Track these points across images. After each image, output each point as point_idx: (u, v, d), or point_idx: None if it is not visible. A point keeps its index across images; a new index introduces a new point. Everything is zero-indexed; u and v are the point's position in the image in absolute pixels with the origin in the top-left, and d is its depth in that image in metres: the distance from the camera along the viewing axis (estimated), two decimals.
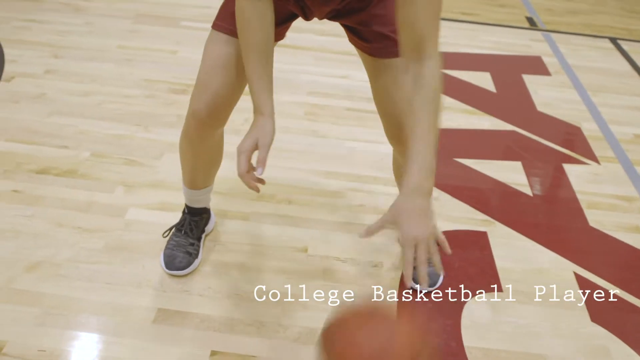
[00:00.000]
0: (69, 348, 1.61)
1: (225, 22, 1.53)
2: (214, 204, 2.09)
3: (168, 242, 1.90)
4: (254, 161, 1.37)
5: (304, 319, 1.75)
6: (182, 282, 1.83)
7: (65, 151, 2.36)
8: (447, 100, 3.04)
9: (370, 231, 1.27)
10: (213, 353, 1.62)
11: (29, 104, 2.67)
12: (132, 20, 3.59)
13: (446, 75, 3.31)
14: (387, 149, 2.60)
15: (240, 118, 2.60)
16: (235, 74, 1.55)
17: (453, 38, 3.83)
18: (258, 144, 1.37)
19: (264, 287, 1.84)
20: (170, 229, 1.93)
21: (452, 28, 3.99)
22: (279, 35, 1.61)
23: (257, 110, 1.42)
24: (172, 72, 3.03)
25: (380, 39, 1.54)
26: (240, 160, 1.35)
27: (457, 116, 2.91)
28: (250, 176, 1.36)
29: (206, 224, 1.95)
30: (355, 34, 1.58)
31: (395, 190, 2.31)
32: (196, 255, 1.88)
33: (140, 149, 2.42)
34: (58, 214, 2.05)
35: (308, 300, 1.82)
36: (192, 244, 1.89)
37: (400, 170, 1.84)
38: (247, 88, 1.63)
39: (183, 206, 1.94)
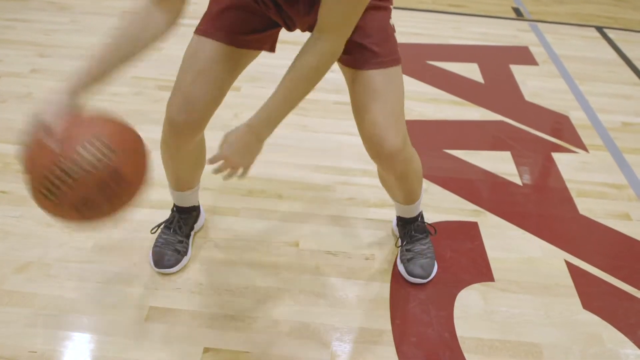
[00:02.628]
0: (61, 348, 1.60)
1: (206, 25, 1.52)
2: (204, 200, 2.08)
3: (157, 239, 1.89)
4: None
5: (296, 313, 1.75)
6: (173, 279, 1.82)
7: None
8: (436, 92, 3.04)
9: (211, 160, 1.41)
10: (206, 350, 1.61)
11: (16, 103, 2.65)
12: (118, 18, 3.57)
13: (435, 67, 3.31)
14: None
15: (230, 113, 2.60)
16: (216, 80, 1.53)
17: (440, 30, 3.83)
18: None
19: (255, 283, 1.84)
20: (159, 225, 1.92)
21: (439, 20, 3.99)
22: (261, 43, 1.57)
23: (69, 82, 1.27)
24: (159, 69, 3.02)
25: (359, 50, 1.51)
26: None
27: (446, 107, 2.91)
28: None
29: (195, 221, 1.94)
30: None
31: None
32: (185, 253, 1.88)
33: None
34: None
35: (300, 294, 1.81)
36: (181, 242, 1.88)
37: (386, 183, 1.82)
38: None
39: (172, 203, 1.94)
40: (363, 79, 1.53)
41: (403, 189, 1.79)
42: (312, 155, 2.45)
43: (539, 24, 4.04)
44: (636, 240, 2.13)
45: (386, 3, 1.55)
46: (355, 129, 2.62)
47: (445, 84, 3.12)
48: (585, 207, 2.28)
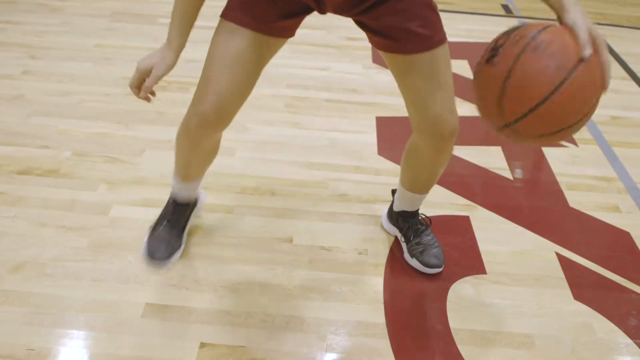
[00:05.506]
0: (58, 346, 1.61)
1: (237, 11, 1.46)
2: None
3: (151, 232, 1.90)
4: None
5: (291, 307, 1.76)
6: (169, 276, 1.84)
7: (46, 151, 2.36)
8: None
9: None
10: (202, 345, 1.63)
11: (8, 105, 2.66)
12: (109, 19, 3.58)
13: None
14: (367, 138, 2.62)
15: None
16: (247, 71, 1.49)
17: None
18: (152, 71, 1.45)
19: (250, 278, 1.85)
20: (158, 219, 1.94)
21: None
22: (289, 30, 1.53)
23: (168, 41, 1.47)
24: None
25: (407, 35, 1.47)
26: (135, 75, 1.47)
27: None
28: (138, 90, 1.49)
29: (190, 214, 1.96)
30: (381, 35, 1.51)
31: (377, 179, 2.33)
32: (178, 247, 1.89)
33: (122, 147, 2.41)
34: (41, 213, 2.04)
35: (294, 289, 1.83)
36: (175, 235, 1.89)
37: (418, 166, 1.80)
38: (256, 86, 1.59)
39: (166, 202, 1.95)
40: (422, 62, 1.52)
41: (432, 174, 1.80)
42: (305, 152, 2.47)
43: (528, 21, 4.06)
44: (625, 232, 2.15)
45: None
46: (347, 126, 2.66)
47: None
48: (575, 199, 2.31)
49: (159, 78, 1.45)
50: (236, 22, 1.46)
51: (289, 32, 1.54)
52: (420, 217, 1.97)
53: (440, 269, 1.90)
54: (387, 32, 1.49)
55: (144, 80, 1.46)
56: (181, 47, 1.47)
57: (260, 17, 1.45)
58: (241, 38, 1.46)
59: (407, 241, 1.95)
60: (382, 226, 2.09)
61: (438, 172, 1.80)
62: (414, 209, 1.94)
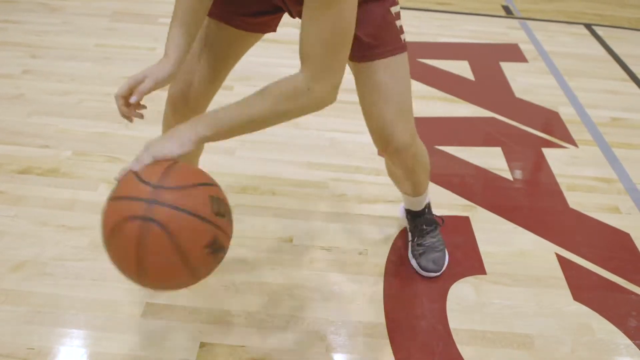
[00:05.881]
0: (58, 345, 1.61)
1: (213, 6, 1.49)
2: None
3: None
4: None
5: (291, 307, 1.77)
6: None
7: (46, 150, 2.36)
8: (427, 89, 3.06)
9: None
10: (202, 344, 1.63)
11: (8, 104, 2.66)
12: (109, 19, 3.58)
13: (425, 65, 3.33)
14: (367, 138, 2.60)
15: None
16: (215, 61, 1.54)
17: (429, 28, 3.85)
18: (149, 77, 1.30)
19: (250, 278, 1.85)
20: None
21: (427, 18, 4.02)
22: (263, 26, 1.57)
23: (165, 54, 1.35)
24: None
25: (355, 42, 1.42)
26: (123, 83, 1.30)
27: (437, 104, 2.94)
28: (124, 103, 1.31)
29: None
30: None
31: (377, 179, 2.33)
32: None
33: (122, 146, 2.42)
34: (42, 213, 2.04)
35: (294, 289, 1.83)
36: None
37: (394, 175, 1.83)
38: (226, 81, 1.63)
39: None
40: (364, 71, 1.51)
41: (411, 181, 1.80)
42: (304, 152, 2.47)
43: (528, 22, 4.08)
44: (625, 233, 2.16)
45: None
46: (347, 126, 2.66)
47: (435, 81, 3.14)
48: (575, 200, 2.31)
49: (157, 82, 1.31)
50: (211, 16, 1.52)
51: (264, 28, 1.57)
52: (432, 216, 1.97)
53: (437, 274, 1.90)
54: None
55: (132, 91, 1.31)
56: (178, 60, 1.36)
57: (233, 13, 1.50)
58: (213, 30, 1.52)
59: (412, 239, 1.96)
60: (399, 220, 2.11)
61: (415, 179, 1.79)
62: (416, 209, 1.94)
